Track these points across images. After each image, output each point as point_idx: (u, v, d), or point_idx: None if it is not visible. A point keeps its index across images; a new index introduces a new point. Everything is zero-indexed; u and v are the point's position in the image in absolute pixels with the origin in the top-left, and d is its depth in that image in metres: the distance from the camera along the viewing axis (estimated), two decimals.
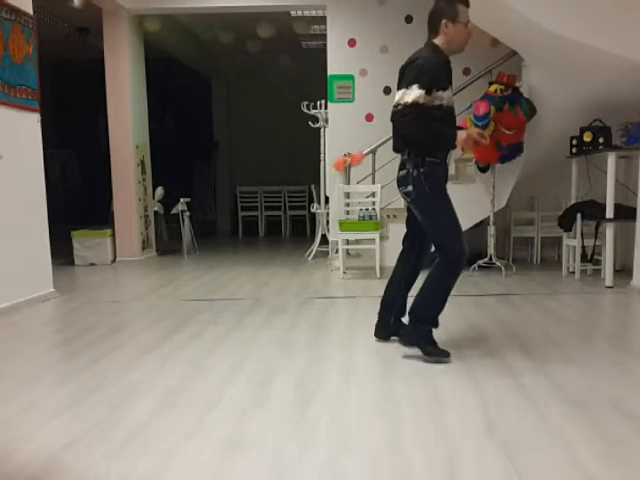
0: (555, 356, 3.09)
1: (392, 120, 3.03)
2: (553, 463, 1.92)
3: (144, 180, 7.52)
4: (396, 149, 3.19)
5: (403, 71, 3.06)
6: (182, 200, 7.85)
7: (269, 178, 10.67)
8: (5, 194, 4.43)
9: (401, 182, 3.12)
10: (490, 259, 5.80)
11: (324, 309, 4.35)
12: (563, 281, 5.47)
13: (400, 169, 3.14)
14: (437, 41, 3.01)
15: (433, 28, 3.03)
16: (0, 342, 3.64)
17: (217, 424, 2.28)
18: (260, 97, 10.85)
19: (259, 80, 10.78)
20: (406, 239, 3.34)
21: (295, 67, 10.11)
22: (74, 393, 2.68)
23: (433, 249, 3.12)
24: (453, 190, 6.51)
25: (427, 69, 2.91)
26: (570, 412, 2.33)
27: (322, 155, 7.01)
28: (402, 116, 2.93)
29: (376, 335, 3.40)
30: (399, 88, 3.01)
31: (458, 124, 5.67)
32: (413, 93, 2.87)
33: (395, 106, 2.96)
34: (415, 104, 2.86)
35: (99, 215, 8.30)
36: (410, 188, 3.04)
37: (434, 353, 3.01)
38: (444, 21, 2.96)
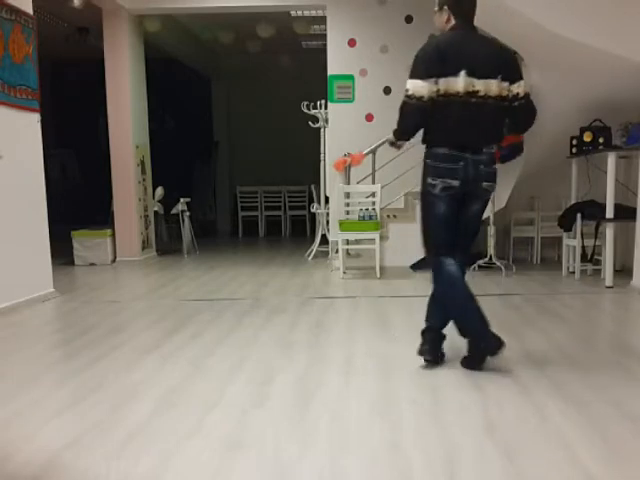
0: (555, 356, 3.09)
1: (526, 105, 2.89)
2: (553, 463, 1.92)
3: (144, 180, 7.52)
4: (488, 142, 2.95)
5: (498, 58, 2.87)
6: (182, 200, 7.85)
7: (269, 178, 10.67)
8: (5, 194, 4.43)
9: (491, 178, 2.91)
10: (490, 259, 5.80)
11: (324, 309, 4.35)
12: (563, 281, 5.47)
13: (490, 164, 2.90)
14: None
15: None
16: (0, 342, 3.64)
17: (217, 424, 2.28)
18: (260, 97, 10.85)
19: (259, 80, 10.77)
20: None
21: (295, 67, 10.10)
22: (74, 393, 2.68)
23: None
24: None
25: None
26: (570, 412, 2.33)
27: (322, 155, 7.01)
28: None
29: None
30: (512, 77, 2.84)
31: None
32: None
33: (525, 95, 2.87)
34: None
35: (99, 215, 8.30)
36: (493, 184, 2.93)
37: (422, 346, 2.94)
38: None
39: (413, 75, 2.80)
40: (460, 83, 2.75)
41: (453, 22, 2.89)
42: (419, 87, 2.75)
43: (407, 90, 2.79)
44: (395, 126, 2.96)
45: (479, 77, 2.76)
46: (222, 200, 11.46)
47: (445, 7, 2.89)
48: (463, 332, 2.91)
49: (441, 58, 2.77)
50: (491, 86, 2.78)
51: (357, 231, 5.69)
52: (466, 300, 2.88)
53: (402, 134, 2.99)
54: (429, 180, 2.85)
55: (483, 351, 2.85)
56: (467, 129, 2.83)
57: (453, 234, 2.93)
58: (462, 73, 2.75)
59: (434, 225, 2.93)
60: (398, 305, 4.45)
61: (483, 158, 2.85)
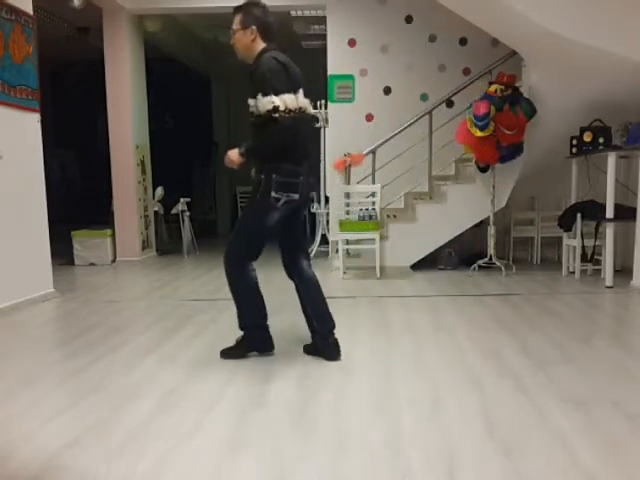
0: (555, 356, 3.09)
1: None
2: (553, 463, 1.92)
3: (144, 180, 7.52)
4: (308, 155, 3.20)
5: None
6: (182, 200, 7.85)
7: None
8: (5, 194, 4.44)
9: (315, 187, 3.19)
10: (490, 259, 5.80)
11: None
12: (563, 281, 5.47)
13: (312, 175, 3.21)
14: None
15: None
16: (0, 342, 3.64)
17: (217, 424, 2.28)
18: None
19: None
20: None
21: None
22: (74, 393, 2.68)
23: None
24: (453, 190, 6.55)
25: None
26: (570, 412, 2.33)
27: (322, 155, 7.01)
28: None
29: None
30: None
31: (459, 124, 5.70)
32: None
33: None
34: None
35: (99, 215, 8.29)
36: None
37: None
38: None
39: (276, 90, 2.85)
40: (300, 100, 2.95)
41: (263, 43, 3.01)
42: (290, 100, 2.87)
43: (275, 105, 2.84)
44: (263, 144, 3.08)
45: (304, 96, 2.99)
46: (222, 200, 11.45)
47: (253, 28, 2.97)
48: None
49: (287, 74, 2.94)
50: (307, 105, 3.02)
51: (357, 231, 5.69)
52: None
53: (281, 152, 2.97)
54: (273, 194, 2.98)
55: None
56: (303, 143, 3.05)
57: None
58: (300, 91, 2.96)
59: (264, 234, 3.15)
60: (398, 305, 4.45)
61: (309, 170, 3.10)
